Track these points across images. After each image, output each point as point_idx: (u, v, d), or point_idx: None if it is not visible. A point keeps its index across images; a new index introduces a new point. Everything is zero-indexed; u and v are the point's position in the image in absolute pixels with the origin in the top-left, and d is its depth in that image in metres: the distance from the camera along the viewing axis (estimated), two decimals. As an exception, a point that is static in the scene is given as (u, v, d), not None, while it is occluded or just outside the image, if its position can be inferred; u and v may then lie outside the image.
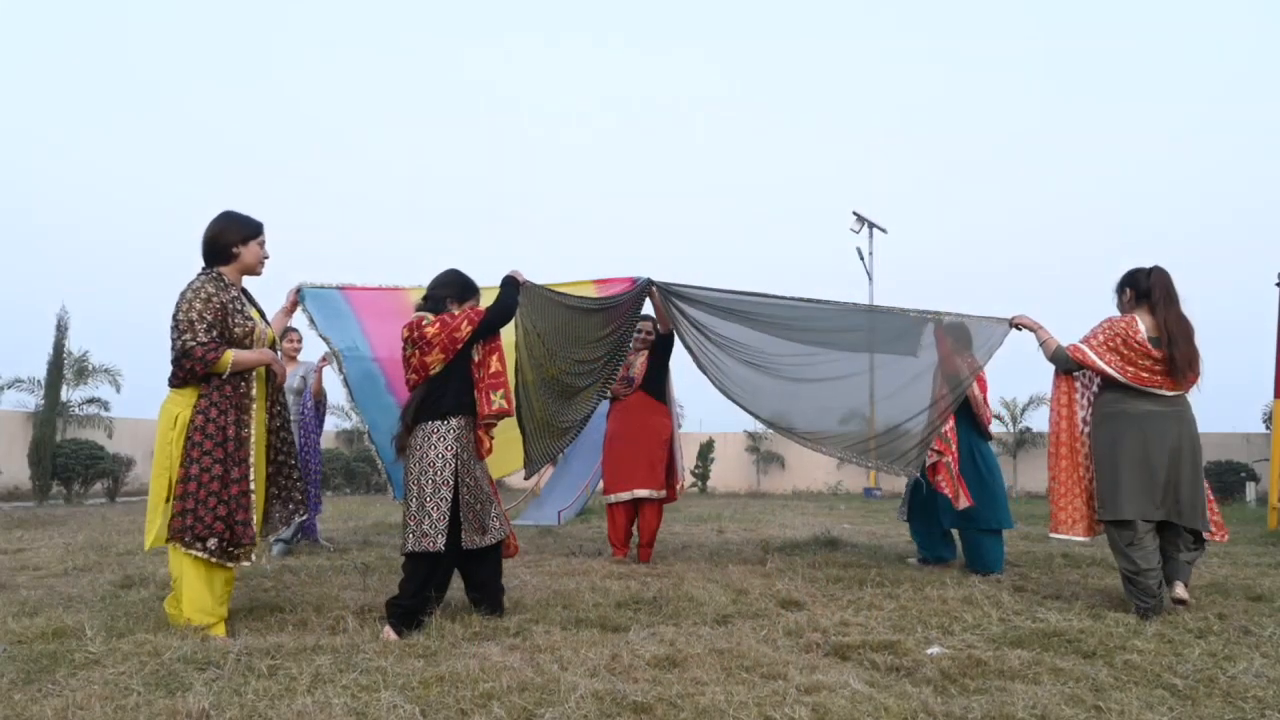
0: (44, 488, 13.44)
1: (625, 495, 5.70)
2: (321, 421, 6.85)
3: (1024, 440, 19.38)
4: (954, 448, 5.23)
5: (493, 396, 3.74)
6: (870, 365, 5.36)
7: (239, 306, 3.53)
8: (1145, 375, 3.97)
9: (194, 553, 3.32)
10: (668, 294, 5.35)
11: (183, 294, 3.45)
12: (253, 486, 3.46)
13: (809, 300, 5.20)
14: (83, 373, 16.29)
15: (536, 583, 4.66)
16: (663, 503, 5.81)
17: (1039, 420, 19.59)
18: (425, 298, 3.87)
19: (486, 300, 3.96)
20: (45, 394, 14.36)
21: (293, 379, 6.22)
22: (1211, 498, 4.12)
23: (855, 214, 18.26)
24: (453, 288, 3.86)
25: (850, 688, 2.64)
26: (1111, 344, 4.00)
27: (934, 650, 3.16)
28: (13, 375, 15.63)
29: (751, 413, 5.54)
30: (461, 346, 3.66)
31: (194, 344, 3.34)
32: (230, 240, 3.57)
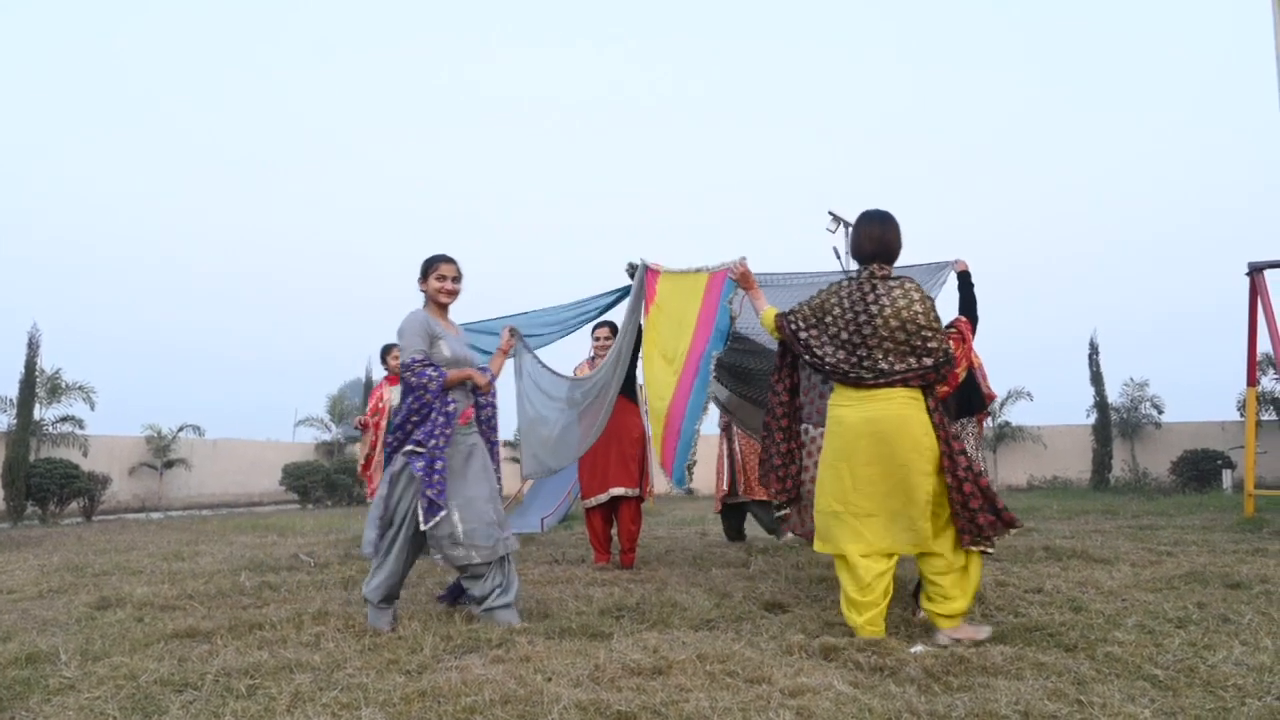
0: (18, 508, 13.25)
1: (603, 496, 5.72)
2: None
3: (1004, 435, 19.53)
4: None
5: (987, 385, 4.30)
6: None
7: None
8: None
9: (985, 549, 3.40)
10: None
11: (913, 296, 3.43)
12: None
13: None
14: (56, 390, 16.09)
15: (519, 591, 4.63)
16: (639, 502, 5.80)
17: (1018, 414, 19.79)
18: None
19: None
20: (18, 413, 14.15)
21: (464, 348, 4.01)
22: None
23: (831, 213, 18.08)
24: None
25: (834, 689, 2.64)
26: None
27: (917, 649, 3.16)
28: (-16, 395, 15.40)
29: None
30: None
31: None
32: (900, 244, 3.56)
